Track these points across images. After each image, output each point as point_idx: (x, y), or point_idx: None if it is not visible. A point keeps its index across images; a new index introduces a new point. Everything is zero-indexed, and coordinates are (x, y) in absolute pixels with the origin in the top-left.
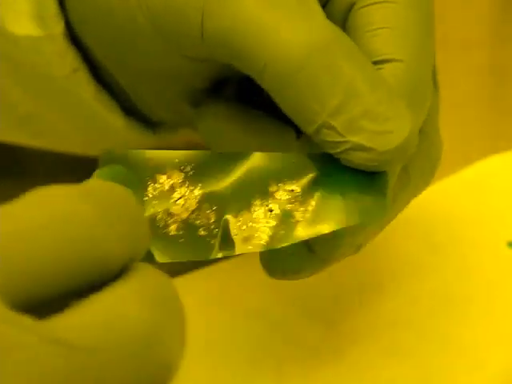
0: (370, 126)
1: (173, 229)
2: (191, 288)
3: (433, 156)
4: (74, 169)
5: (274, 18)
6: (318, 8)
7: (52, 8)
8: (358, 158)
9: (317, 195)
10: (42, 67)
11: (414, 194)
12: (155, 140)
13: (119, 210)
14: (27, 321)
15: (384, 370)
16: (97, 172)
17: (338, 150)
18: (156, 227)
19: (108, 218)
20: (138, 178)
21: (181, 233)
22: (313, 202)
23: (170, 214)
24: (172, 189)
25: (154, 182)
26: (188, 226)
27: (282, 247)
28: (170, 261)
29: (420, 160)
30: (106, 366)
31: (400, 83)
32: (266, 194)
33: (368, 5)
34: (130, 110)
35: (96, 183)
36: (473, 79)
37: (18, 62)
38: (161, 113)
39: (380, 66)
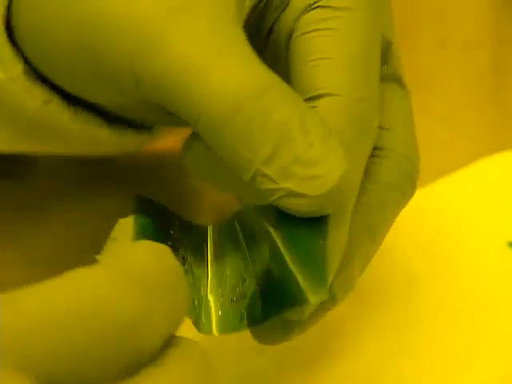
0: (300, 172)
1: None
2: None
3: (405, 172)
4: (75, 170)
5: (205, 64)
6: (251, 53)
7: (7, 52)
8: (292, 205)
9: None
10: (12, 103)
11: (387, 222)
12: (147, 140)
13: (161, 289)
14: None
15: (384, 371)
16: (133, 217)
17: (274, 198)
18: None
19: (149, 302)
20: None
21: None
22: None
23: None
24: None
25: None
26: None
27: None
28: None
29: (389, 181)
30: None
31: (335, 119)
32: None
33: (305, 33)
34: (115, 118)
35: (137, 257)
36: (473, 79)
37: None
38: (146, 121)
39: (315, 103)
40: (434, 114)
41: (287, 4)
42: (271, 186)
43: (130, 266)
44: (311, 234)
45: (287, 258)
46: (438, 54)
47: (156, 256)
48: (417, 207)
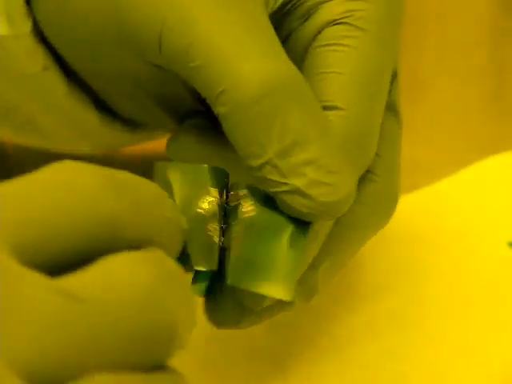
0: (313, 175)
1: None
2: None
3: (386, 197)
4: None
5: (239, 45)
6: (281, 47)
7: (20, 7)
8: (294, 202)
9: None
10: (12, 64)
11: (361, 242)
12: (136, 137)
13: (137, 194)
14: (36, 275)
15: (384, 371)
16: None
17: (277, 190)
18: (208, 236)
19: (120, 194)
20: (191, 190)
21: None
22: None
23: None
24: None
25: (207, 194)
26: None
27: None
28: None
29: (368, 203)
30: (105, 319)
31: (340, 132)
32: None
33: (322, 46)
34: (105, 107)
35: (124, 175)
36: (473, 79)
37: None
38: (135, 116)
39: (325, 113)
40: (433, 114)
41: (310, 16)
42: (279, 178)
43: (115, 175)
44: (289, 236)
45: (260, 247)
46: (438, 54)
47: (144, 182)
48: (417, 207)
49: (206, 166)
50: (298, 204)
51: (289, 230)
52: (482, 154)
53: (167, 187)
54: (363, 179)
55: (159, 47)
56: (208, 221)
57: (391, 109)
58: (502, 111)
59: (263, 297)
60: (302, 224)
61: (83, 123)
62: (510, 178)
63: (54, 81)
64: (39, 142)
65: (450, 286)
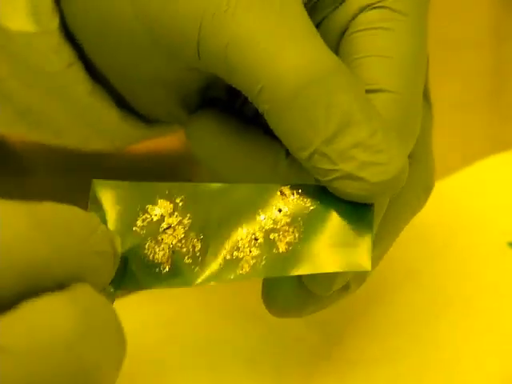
0: (362, 157)
1: (159, 256)
2: (192, 291)
3: (425, 181)
4: (72, 168)
5: (275, 41)
6: (318, 35)
7: (48, 4)
8: (348, 187)
9: (300, 229)
10: (36, 62)
11: (405, 223)
12: (151, 133)
13: (63, 230)
14: None
15: (383, 372)
16: (89, 200)
17: (329, 178)
18: (144, 255)
19: (45, 235)
20: (127, 208)
21: (168, 261)
22: (297, 235)
23: (157, 242)
24: (161, 219)
25: (144, 213)
26: (175, 253)
27: (276, 284)
28: (154, 288)
29: (412, 187)
30: (33, 368)
31: (389, 115)
32: (252, 223)
33: (360, 30)
34: (125, 104)
35: (51, 210)
36: (473, 79)
37: (13, 54)
38: (156, 114)
39: (370, 96)
40: (433, 113)
41: (342, 1)
42: (329, 166)
43: (40, 212)
44: (358, 218)
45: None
46: (437, 54)
47: (65, 210)
48: None
49: (146, 183)
50: (352, 188)
51: (349, 211)
52: (482, 154)
53: (100, 206)
54: None
55: (198, 52)
56: (147, 237)
57: (425, 94)
58: (502, 111)
59: (332, 280)
60: (362, 205)
61: (102, 121)
62: (510, 177)
63: (78, 78)
64: (52, 139)
65: (450, 286)
